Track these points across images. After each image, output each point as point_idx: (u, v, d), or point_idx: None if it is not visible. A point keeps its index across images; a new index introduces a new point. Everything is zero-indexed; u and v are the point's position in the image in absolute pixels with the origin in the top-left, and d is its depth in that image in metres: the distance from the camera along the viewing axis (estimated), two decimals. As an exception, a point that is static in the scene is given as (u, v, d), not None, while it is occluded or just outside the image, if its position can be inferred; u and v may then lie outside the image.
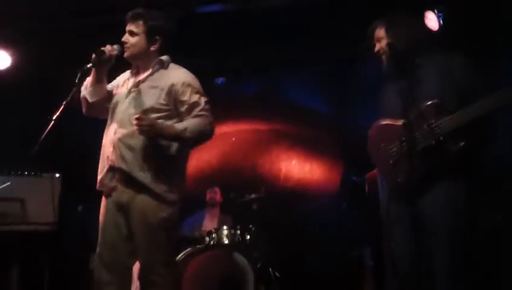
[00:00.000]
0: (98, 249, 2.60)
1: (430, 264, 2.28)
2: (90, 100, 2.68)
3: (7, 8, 3.70)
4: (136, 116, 2.43)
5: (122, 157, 2.54)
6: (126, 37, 2.65)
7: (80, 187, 4.23)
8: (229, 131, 6.07)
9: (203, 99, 2.64)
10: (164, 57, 2.71)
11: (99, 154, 2.70)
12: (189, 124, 2.55)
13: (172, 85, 2.60)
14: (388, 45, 2.45)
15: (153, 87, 2.63)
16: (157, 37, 2.66)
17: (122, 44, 2.65)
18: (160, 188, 2.54)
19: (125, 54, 2.65)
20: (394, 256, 2.41)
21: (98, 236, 2.61)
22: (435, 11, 3.50)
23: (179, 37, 2.74)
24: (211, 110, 2.67)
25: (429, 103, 2.30)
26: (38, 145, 2.27)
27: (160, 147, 2.56)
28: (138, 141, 2.54)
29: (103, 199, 2.67)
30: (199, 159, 6.08)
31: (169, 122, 2.57)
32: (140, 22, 2.63)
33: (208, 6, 3.98)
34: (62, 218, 3.89)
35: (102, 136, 2.72)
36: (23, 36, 3.91)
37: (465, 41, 3.57)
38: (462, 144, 2.21)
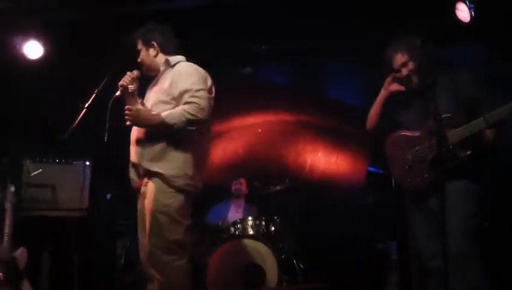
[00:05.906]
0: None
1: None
2: None
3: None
4: (126, 108, 2.65)
5: (138, 153, 2.76)
6: (139, 58, 2.94)
7: (109, 176, 4.32)
8: (256, 122, 6.07)
9: (195, 87, 2.69)
10: (173, 57, 2.89)
11: (128, 143, 2.88)
12: (172, 110, 2.67)
13: (171, 78, 2.78)
14: (418, 67, 2.67)
15: (160, 86, 2.85)
16: (152, 42, 2.90)
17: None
18: (168, 174, 2.66)
19: (144, 71, 2.91)
20: (417, 252, 2.70)
21: None
22: (467, 2, 3.49)
23: (199, 28, 2.77)
24: (212, 98, 2.78)
25: (442, 116, 2.51)
26: (69, 133, 2.33)
27: (164, 137, 2.69)
28: (147, 136, 2.73)
29: None
30: (225, 149, 6.12)
31: None
32: (139, 40, 2.92)
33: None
34: (91, 205, 3.97)
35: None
36: (55, 26, 3.97)
37: (496, 33, 3.52)
38: (469, 152, 2.50)
